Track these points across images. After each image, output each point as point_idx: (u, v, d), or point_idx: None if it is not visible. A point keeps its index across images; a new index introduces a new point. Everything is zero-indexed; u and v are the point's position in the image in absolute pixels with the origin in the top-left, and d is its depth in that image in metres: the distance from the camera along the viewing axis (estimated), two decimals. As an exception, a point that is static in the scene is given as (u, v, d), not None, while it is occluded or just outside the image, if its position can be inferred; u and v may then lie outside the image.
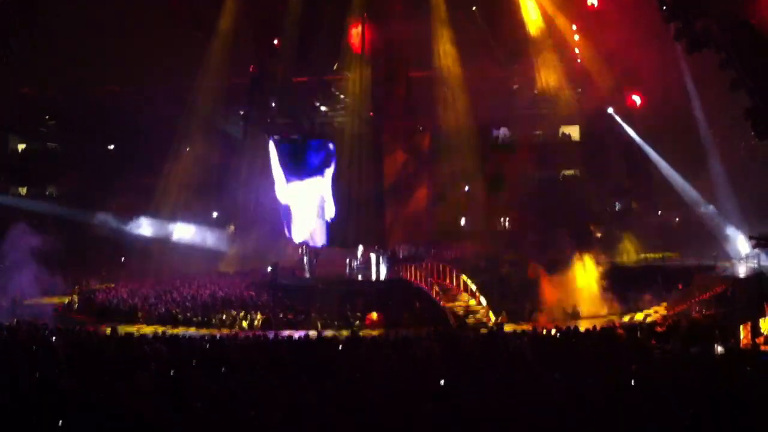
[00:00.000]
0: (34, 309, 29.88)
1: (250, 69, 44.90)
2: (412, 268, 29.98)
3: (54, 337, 19.27)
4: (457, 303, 25.55)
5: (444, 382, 11.99)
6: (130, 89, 44.52)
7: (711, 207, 36.07)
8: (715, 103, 32.94)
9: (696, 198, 36.88)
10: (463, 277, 26.77)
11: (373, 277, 33.24)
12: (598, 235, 38.49)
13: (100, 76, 42.85)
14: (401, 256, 35.14)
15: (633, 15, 32.37)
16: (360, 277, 34.40)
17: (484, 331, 20.98)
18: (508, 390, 10.98)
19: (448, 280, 28.51)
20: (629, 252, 35.24)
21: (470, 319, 24.06)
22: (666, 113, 36.32)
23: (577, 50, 40.88)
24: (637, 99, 40.12)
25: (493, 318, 24.09)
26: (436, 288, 26.84)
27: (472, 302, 25.22)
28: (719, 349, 15.78)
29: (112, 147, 50.52)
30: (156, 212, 43.02)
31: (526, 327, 20.35)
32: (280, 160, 35.53)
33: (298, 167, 35.39)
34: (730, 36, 19.48)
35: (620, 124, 41.06)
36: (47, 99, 46.70)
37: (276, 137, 36.11)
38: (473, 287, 25.62)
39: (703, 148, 37.33)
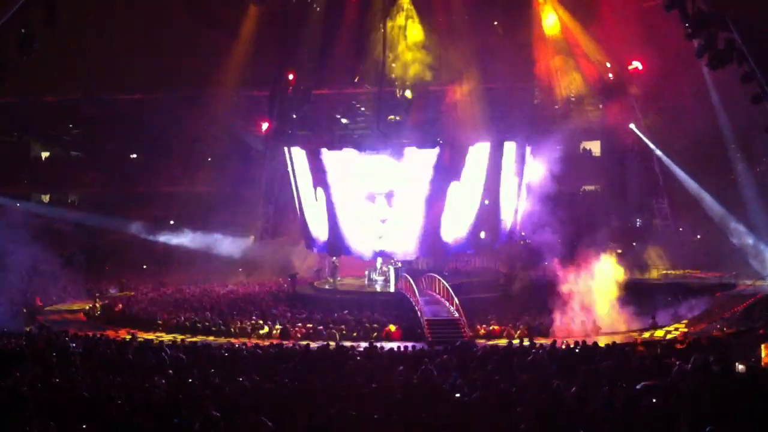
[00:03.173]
0: (53, 315, 30.15)
1: (272, 80, 45.21)
2: (408, 281, 30.02)
3: (73, 344, 19.41)
4: (437, 317, 25.39)
5: (459, 395, 11.96)
6: (152, 97, 44.96)
7: (740, 225, 35.45)
8: (741, 118, 32.63)
9: (724, 215, 36.35)
10: (449, 289, 26.74)
11: (391, 289, 33.21)
12: (619, 251, 38.26)
13: (122, 84, 43.35)
14: (419, 268, 35.12)
15: (654, 30, 32.31)
16: (378, 289, 34.39)
17: (498, 344, 20.84)
18: (524, 402, 10.93)
19: (438, 293, 28.50)
20: (650, 268, 34.97)
21: (444, 333, 23.80)
22: (690, 128, 36.04)
23: (608, 65, 40.73)
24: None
25: (468, 332, 23.91)
26: (418, 301, 26.96)
27: (455, 315, 25.10)
28: (740, 367, 15.60)
29: (134, 155, 51.03)
30: (177, 221, 43.30)
31: (545, 341, 20.19)
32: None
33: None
34: (752, 48, 19.41)
35: (642, 140, 40.82)
36: (70, 107, 47.22)
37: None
38: (456, 300, 25.56)
39: (731, 163, 36.97)
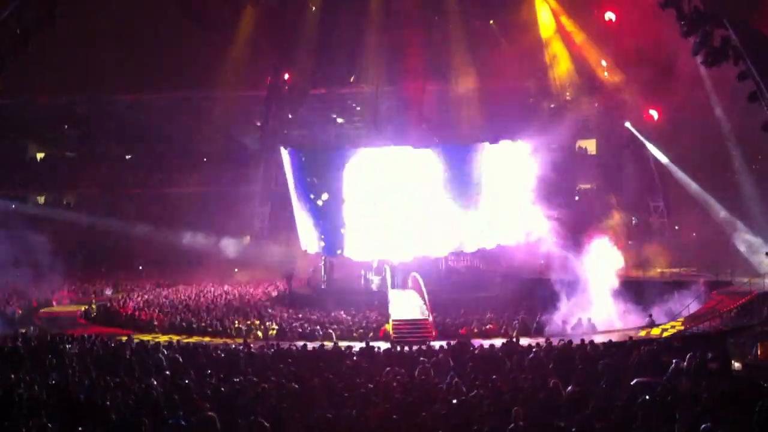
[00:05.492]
0: (49, 316, 30.08)
1: (267, 81, 45.20)
2: (385, 281, 30.23)
3: (69, 345, 19.36)
4: (404, 316, 25.32)
5: (456, 394, 11.95)
6: (148, 98, 44.94)
7: (738, 222, 35.47)
8: (740, 116, 32.60)
9: (722, 213, 36.33)
10: (422, 287, 26.87)
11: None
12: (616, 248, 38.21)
13: (118, 85, 43.29)
14: (413, 268, 35.02)
15: (651, 28, 32.26)
16: (374, 288, 34.28)
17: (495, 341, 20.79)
18: (521, 400, 10.93)
19: (419, 293, 28.47)
20: (646, 266, 34.93)
21: (408, 333, 23.76)
22: (688, 126, 35.97)
23: (604, 63, 40.70)
24: (654, 113, 39.85)
25: (434, 332, 23.83)
26: (389, 300, 27.20)
27: (424, 316, 25.06)
28: (737, 365, 15.62)
29: (129, 156, 50.97)
30: (173, 221, 43.18)
31: (541, 340, 20.16)
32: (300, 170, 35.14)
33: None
34: (747, 47, 19.45)
35: (638, 138, 40.82)
36: (66, 107, 47.16)
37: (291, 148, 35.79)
38: (426, 299, 25.62)
39: (730, 161, 36.94)
